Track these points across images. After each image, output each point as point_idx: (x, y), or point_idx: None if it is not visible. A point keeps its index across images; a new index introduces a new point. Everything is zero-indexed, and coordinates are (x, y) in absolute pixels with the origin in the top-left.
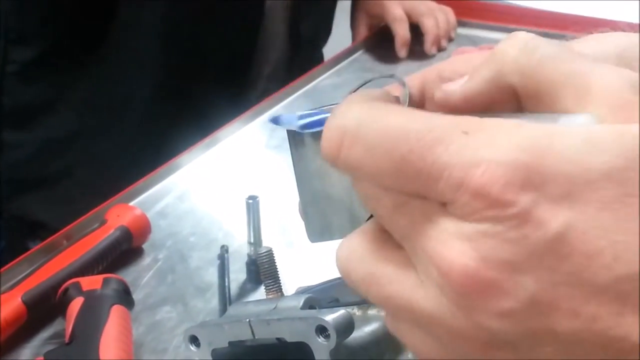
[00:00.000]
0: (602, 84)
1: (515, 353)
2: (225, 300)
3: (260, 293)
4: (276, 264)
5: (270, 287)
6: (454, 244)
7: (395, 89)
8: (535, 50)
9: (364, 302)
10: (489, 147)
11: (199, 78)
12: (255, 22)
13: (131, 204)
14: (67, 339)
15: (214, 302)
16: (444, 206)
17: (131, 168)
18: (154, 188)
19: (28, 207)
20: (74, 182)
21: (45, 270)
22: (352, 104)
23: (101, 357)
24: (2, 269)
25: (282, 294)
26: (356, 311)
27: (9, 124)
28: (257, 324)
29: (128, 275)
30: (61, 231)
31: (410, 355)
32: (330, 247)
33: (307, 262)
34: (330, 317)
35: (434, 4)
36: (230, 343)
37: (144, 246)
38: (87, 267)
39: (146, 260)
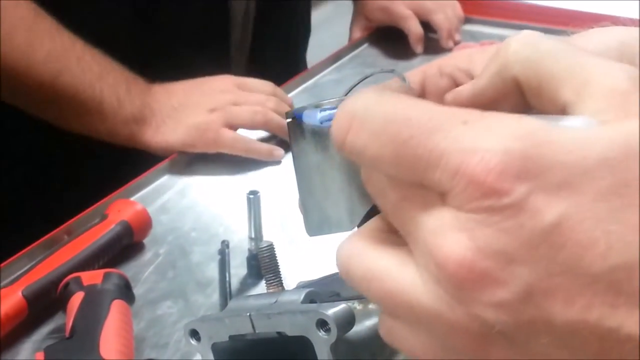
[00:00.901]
0: (601, 78)
1: (512, 346)
2: (226, 295)
3: (261, 288)
4: (277, 258)
5: (271, 281)
6: (450, 234)
7: (395, 84)
8: (537, 44)
9: (364, 297)
10: (486, 136)
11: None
12: None
13: (132, 199)
14: (67, 334)
15: (215, 297)
16: (443, 197)
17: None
18: (155, 183)
19: None
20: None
21: (46, 265)
22: (365, 92)
23: (101, 352)
24: (3, 264)
25: (283, 288)
26: (357, 305)
27: None
28: (257, 317)
29: (129, 270)
30: (62, 226)
31: None
32: (330, 242)
33: (308, 257)
34: (331, 311)
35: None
36: (230, 337)
37: (145, 241)
38: (88, 262)
39: (147, 255)
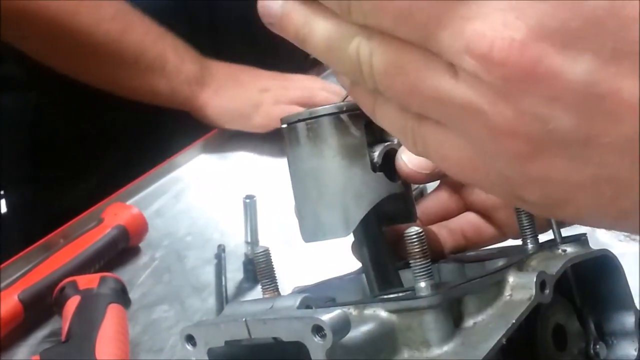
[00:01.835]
0: None
1: (567, 155)
2: (222, 299)
3: (257, 292)
4: (273, 263)
5: (267, 286)
6: (494, 16)
7: None
8: None
9: (360, 302)
10: None
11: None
12: None
13: (128, 203)
14: (63, 338)
15: (211, 301)
16: None
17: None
18: (151, 187)
19: None
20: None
21: (42, 269)
22: None
23: (97, 356)
24: None
25: (279, 294)
26: (352, 311)
27: None
28: (253, 323)
29: (125, 274)
30: (58, 230)
31: (405, 355)
32: (326, 248)
33: (304, 262)
34: (327, 316)
35: None
36: (226, 342)
37: (141, 245)
38: (84, 266)
39: (143, 259)
